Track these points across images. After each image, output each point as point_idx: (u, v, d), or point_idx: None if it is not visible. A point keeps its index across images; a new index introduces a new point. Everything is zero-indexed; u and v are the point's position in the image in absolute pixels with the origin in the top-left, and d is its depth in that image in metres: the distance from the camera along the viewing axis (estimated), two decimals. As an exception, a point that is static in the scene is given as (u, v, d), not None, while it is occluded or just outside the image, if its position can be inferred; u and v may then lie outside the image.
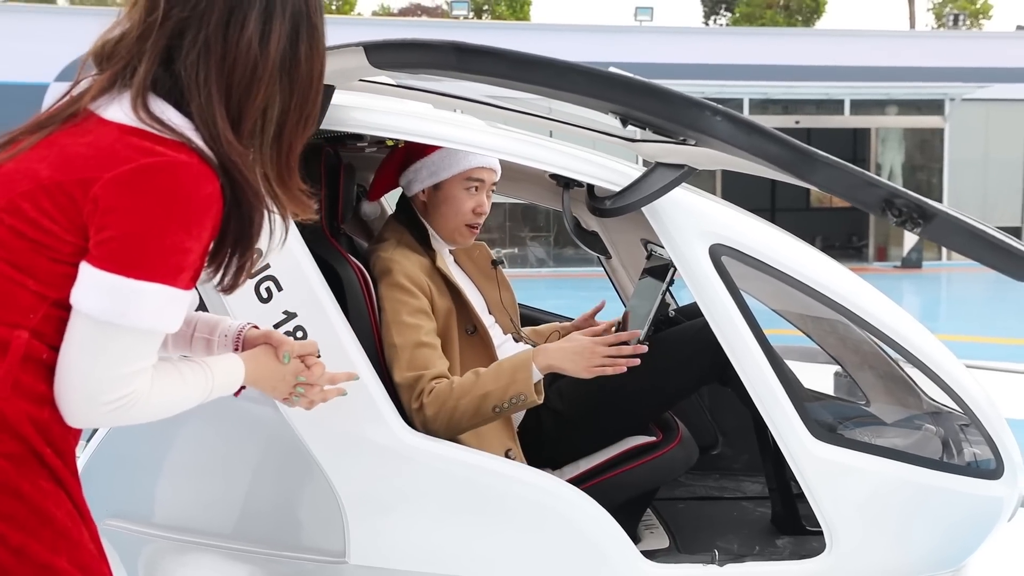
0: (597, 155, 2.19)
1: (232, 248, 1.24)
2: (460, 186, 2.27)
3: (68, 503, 1.19)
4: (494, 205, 2.40)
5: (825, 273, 2.09)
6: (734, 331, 1.99)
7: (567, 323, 2.73)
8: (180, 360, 1.30)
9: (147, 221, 1.11)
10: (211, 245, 1.21)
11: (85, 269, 1.13)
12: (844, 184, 1.43)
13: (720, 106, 1.47)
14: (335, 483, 1.96)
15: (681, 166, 1.87)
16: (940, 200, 17.64)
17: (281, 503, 2.04)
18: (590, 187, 2.31)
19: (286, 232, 1.31)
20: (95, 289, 1.12)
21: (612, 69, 1.50)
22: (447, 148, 2.20)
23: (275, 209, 1.27)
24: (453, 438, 2.06)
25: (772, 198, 20.17)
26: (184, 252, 1.14)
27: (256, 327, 1.50)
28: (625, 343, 2.05)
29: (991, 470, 2.14)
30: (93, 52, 1.21)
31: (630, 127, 1.80)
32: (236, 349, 1.47)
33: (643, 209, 1.99)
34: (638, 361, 2.03)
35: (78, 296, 1.13)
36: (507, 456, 2.15)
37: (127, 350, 1.15)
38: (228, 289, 1.30)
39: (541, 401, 2.06)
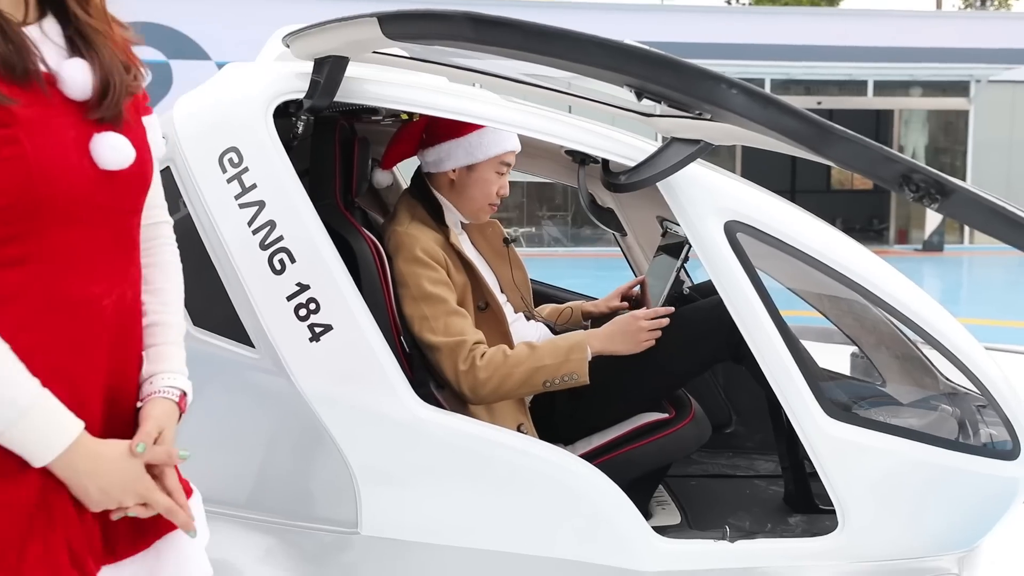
0: (613, 130, 2.17)
1: None
2: (493, 169, 2.30)
3: None
4: (512, 184, 2.43)
5: (842, 252, 2.07)
6: (748, 309, 1.98)
7: (583, 301, 2.76)
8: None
9: None
10: None
11: None
12: (862, 159, 1.41)
13: (737, 80, 1.45)
14: (347, 455, 1.97)
15: (697, 141, 1.86)
16: (964, 182, 17.42)
17: (294, 474, 2.06)
18: (605, 162, 2.30)
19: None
20: None
21: (628, 41, 1.49)
22: (483, 129, 2.23)
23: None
24: (482, 404, 2.14)
25: (792, 179, 20.00)
26: None
27: (173, 400, 1.26)
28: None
29: (1007, 451, 2.13)
30: None
31: (646, 101, 1.78)
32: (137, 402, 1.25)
33: (658, 185, 1.98)
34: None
35: None
36: (520, 430, 2.16)
37: None
38: None
39: (588, 382, 2.14)
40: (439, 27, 1.61)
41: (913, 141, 18.30)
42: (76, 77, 1.13)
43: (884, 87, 17.20)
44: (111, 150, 1.16)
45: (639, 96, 1.66)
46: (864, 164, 1.42)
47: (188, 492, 1.30)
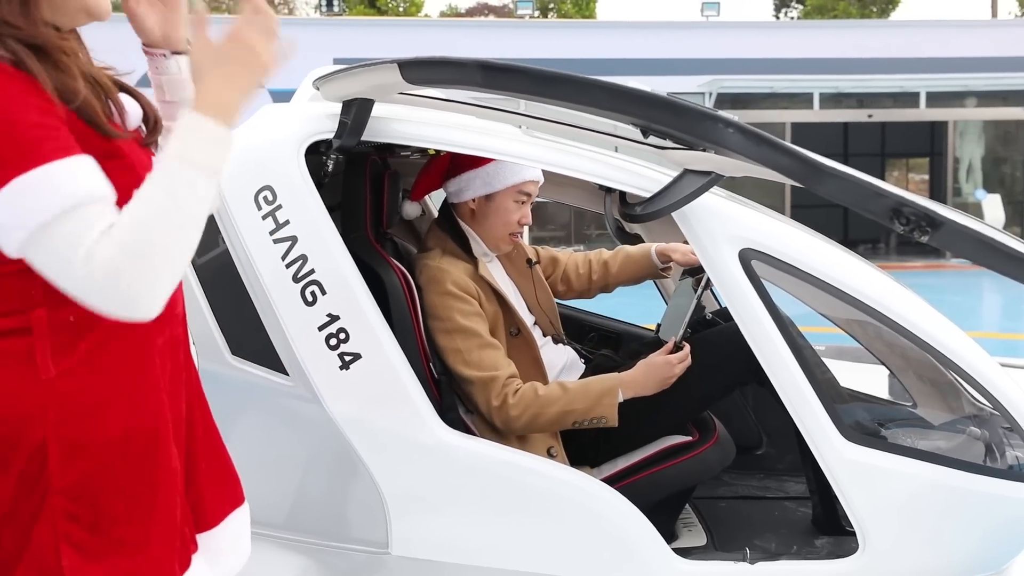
0: (630, 161, 2.24)
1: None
2: (511, 198, 2.37)
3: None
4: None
5: (856, 275, 2.10)
6: (763, 334, 2.01)
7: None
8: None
9: None
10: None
11: None
12: (852, 194, 1.46)
13: (733, 119, 1.51)
14: (377, 478, 2.05)
15: (708, 173, 1.92)
16: (1023, 194, 17.03)
17: (328, 496, 2.15)
18: (622, 193, 2.36)
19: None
20: None
21: (630, 84, 1.56)
22: (501, 160, 2.30)
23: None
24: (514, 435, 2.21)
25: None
26: (13, 129, 1.08)
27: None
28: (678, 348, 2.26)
29: (1032, 473, 2.13)
30: None
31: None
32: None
33: (673, 215, 2.03)
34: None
35: None
36: (549, 454, 2.23)
37: (60, 240, 1.08)
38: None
39: (616, 425, 2.20)
40: (453, 73, 1.70)
41: (969, 152, 17.94)
42: (134, 110, 1.29)
43: (937, 98, 16.93)
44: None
45: (645, 134, 1.73)
46: (854, 199, 1.46)
47: (238, 501, 1.45)
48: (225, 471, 1.43)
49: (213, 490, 1.39)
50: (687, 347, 2.25)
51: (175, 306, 1.32)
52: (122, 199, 1.18)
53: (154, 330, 1.26)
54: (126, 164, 1.21)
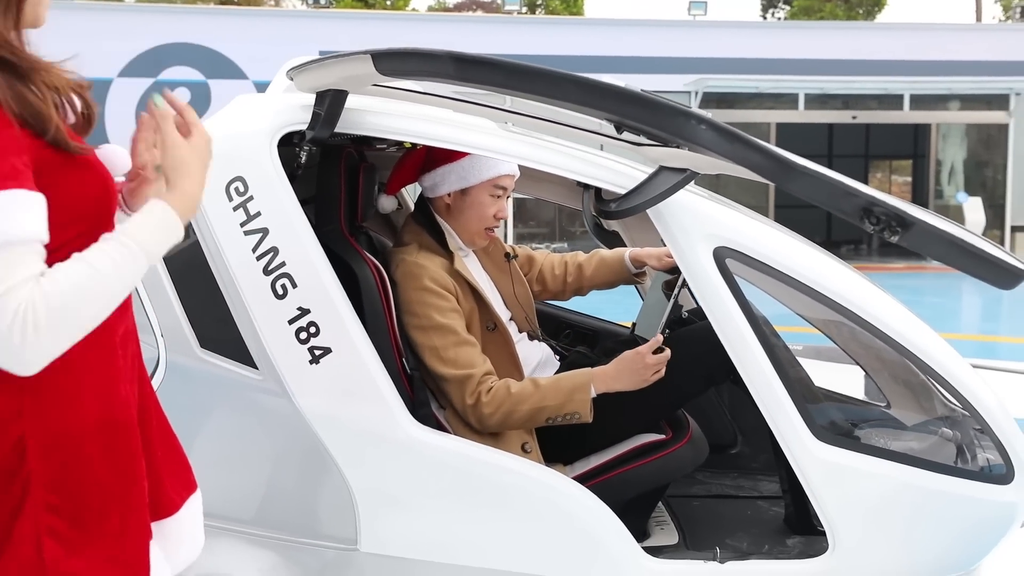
0: (608, 158, 2.22)
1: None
2: (486, 192, 2.35)
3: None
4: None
5: (831, 275, 2.10)
6: (736, 333, 2.01)
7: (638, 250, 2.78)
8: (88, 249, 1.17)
9: None
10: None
11: None
12: (823, 193, 1.45)
13: (706, 115, 1.50)
14: (346, 474, 2.03)
15: (684, 170, 1.90)
16: (1004, 197, 17.15)
17: (296, 492, 2.12)
18: (599, 190, 2.35)
19: None
20: None
21: (604, 79, 1.54)
22: (475, 154, 2.28)
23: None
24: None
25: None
26: None
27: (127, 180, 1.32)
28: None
29: (1001, 475, 2.13)
30: None
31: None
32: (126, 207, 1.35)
33: (648, 212, 2.02)
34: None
35: None
36: (524, 449, 2.22)
37: None
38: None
39: (591, 420, 2.18)
40: (425, 64, 1.68)
41: (952, 155, 18.04)
42: (72, 109, 1.28)
43: (921, 101, 17.01)
44: (113, 154, 1.32)
45: (619, 129, 1.71)
46: (825, 197, 1.46)
47: (192, 488, 1.45)
48: (178, 457, 1.44)
49: (171, 477, 1.40)
50: (660, 339, 2.24)
51: (129, 297, 1.32)
52: (94, 210, 1.19)
53: (116, 322, 1.26)
54: (97, 175, 1.21)
